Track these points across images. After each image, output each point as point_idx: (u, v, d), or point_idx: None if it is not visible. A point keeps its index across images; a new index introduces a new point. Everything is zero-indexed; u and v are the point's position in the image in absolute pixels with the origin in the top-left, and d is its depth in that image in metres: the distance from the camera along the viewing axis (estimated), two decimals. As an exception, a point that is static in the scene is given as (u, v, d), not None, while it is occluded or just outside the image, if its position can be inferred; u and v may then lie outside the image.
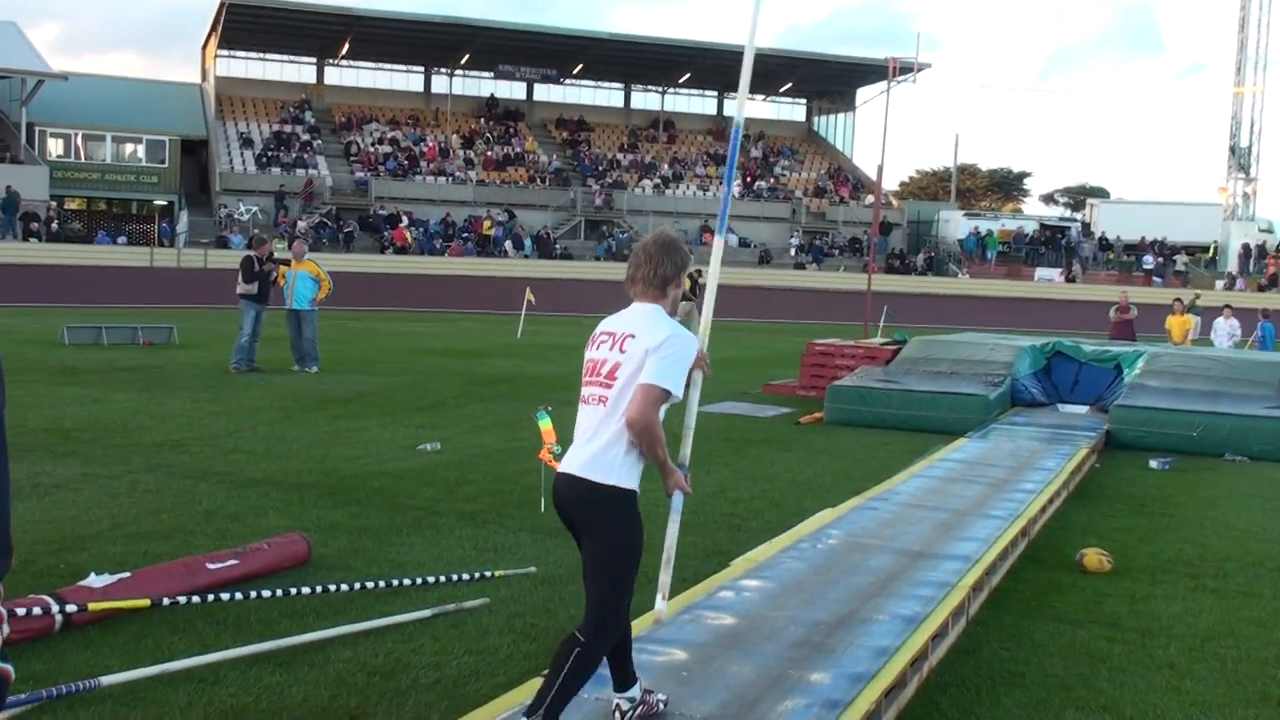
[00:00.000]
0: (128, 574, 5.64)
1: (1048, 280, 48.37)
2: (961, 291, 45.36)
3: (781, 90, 56.36)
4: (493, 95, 53.00)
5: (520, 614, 5.77)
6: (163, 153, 44.67)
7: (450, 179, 47.27)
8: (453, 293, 38.76)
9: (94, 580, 5.47)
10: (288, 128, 47.41)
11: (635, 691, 4.08)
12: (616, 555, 3.85)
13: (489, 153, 49.41)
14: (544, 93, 54.09)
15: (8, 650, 2.61)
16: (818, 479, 9.98)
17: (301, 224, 40.92)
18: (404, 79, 52.51)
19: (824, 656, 4.81)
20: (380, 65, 51.61)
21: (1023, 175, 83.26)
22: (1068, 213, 69.74)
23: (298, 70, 50.84)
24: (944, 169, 73.51)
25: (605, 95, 55.74)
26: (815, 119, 58.86)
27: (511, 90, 53.42)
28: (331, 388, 15.02)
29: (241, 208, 42.28)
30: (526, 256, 43.89)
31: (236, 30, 45.61)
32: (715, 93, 55.83)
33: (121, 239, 40.40)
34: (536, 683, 4.26)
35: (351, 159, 46.64)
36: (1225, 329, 23.19)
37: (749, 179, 52.18)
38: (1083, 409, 14.58)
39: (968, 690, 4.99)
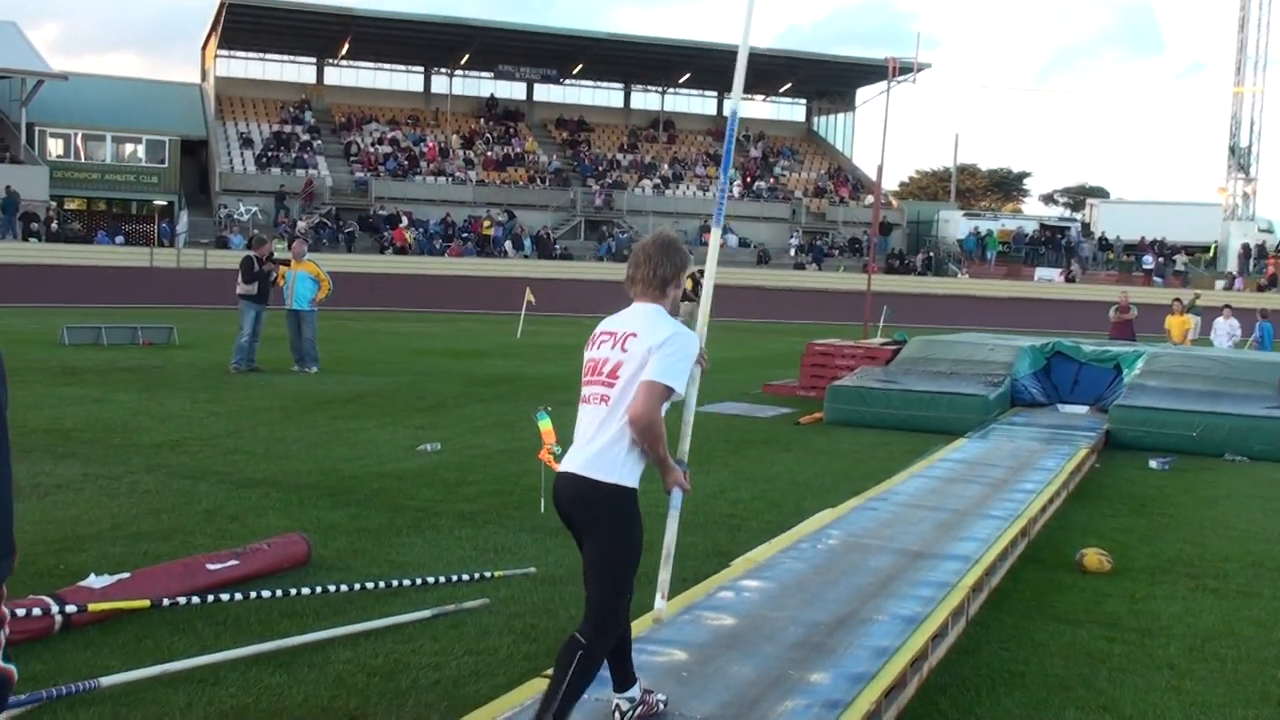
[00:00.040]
0: (127, 574, 5.64)
1: (1047, 280, 48.38)
2: (961, 292, 45.36)
3: (781, 90, 56.37)
4: (492, 95, 53.01)
5: (520, 614, 5.77)
6: (162, 153, 44.68)
7: (450, 179, 47.28)
8: (452, 293, 38.76)
9: (94, 581, 5.47)
10: (287, 128, 47.42)
11: (635, 692, 4.08)
12: (617, 554, 3.85)
13: (489, 153, 49.41)
14: (544, 93, 54.10)
15: (8, 651, 2.61)
16: (817, 479, 9.99)
17: (301, 224, 40.92)
18: (404, 79, 52.55)
19: (824, 657, 4.81)
20: (380, 65, 51.63)
21: (1022, 175, 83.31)
22: (1067, 213, 69.74)
23: (297, 70, 50.89)
24: (944, 169, 73.54)
25: (605, 95, 55.77)
26: (815, 119, 58.87)
27: (511, 90, 53.45)
28: (331, 388, 15.02)
29: (241, 208, 42.28)
30: (526, 257, 43.89)
31: (236, 30, 45.61)
32: (715, 93, 55.80)
33: (119, 239, 40.38)
34: (536, 683, 4.27)
35: (351, 159, 46.64)
36: (1225, 329, 23.19)
37: (749, 179, 52.19)
38: (1082, 409, 14.59)
39: (968, 690, 4.99)
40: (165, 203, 43.67)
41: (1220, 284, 47.75)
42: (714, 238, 4.78)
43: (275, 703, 4.56)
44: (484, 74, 52.14)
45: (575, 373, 4.13)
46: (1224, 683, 5.23)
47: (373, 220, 43.85)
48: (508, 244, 44.39)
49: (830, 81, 55.33)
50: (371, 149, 47.39)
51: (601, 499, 3.82)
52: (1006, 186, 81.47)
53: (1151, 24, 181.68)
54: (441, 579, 6.19)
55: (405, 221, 43.82)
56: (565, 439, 4.34)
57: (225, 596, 5.66)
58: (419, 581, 6.13)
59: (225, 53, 48.31)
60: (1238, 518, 9.04)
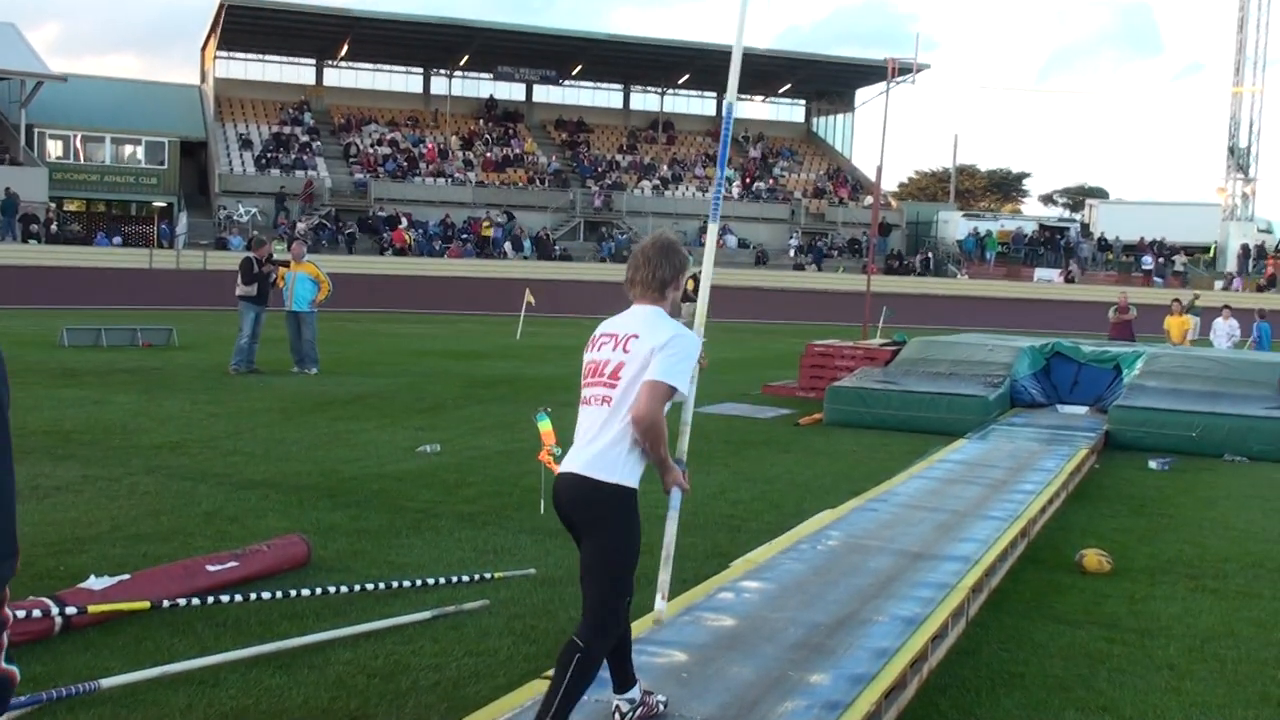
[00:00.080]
0: (127, 576, 5.63)
1: (1047, 281, 48.39)
2: (960, 292, 45.38)
3: (780, 91, 56.40)
4: (492, 96, 53.03)
5: (520, 616, 5.78)
6: (162, 154, 44.70)
7: (449, 180, 47.28)
8: (452, 294, 38.77)
9: (94, 582, 5.46)
10: (287, 129, 47.43)
11: (635, 693, 4.09)
12: (617, 554, 3.85)
13: (488, 154, 49.42)
14: (543, 94, 54.11)
15: (10, 653, 2.61)
16: (817, 480, 9.99)
17: (301, 226, 40.93)
18: (403, 80, 52.57)
19: (824, 658, 4.81)
20: (379, 66, 51.65)
21: (1022, 176, 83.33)
22: (1067, 213, 69.75)
23: (297, 71, 50.92)
24: (943, 170, 73.55)
25: (604, 96, 55.80)
26: (814, 120, 58.89)
27: (510, 91, 53.46)
28: (331, 389, 15.02)
29: (241, 209, 42.29)
30: (526, 258, 43.89)
31: (236, 31, 45.63)
32: (714, 94, 55.82)
33: (116, 240, 40.35)
34: (537, 684, 4.27)
35: (351, 160, 46.65)
36: (1224, 329, 23.21)
37: (748, 180, 52.20)
38: (1082, 410, 14.59)
39: (967, 691, 4.99)
40: (164, 204, 43.68)
41: (1219, 284, 47.76)
42: (711, 233, 4.80)
43: (275, 704, 4.56)
44: (483, 75, 52.18)
45: (575, 374, 4.13)
46: (1224, 683, 5.23)
47: (372, 221, 43.85)
48: (507, 245, 44.40)
49: (829, 82, 55.36)
50: (371, 150, 47.40)
51: (602, 499, 3.83)
52: (1006, 187, 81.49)
53: (1150, 24, 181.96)
54: (441, 580, 6.19)
55: (405, 223, 43.84)
56: (565, 440, 4.34)
57: (225, 598, 5.66)
58: (419, 583, 6.13)
59: (225, 54, 48.33)
60: (1237, 518, 9.04)
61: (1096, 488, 10.23)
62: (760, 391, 16.76)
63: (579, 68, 51.98)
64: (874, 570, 6.29)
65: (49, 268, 34.85)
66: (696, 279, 6.23)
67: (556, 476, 4.01)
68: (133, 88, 49.37)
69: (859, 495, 8.56)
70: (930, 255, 50.84)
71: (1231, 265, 51.68)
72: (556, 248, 45.37)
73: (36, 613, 5.03)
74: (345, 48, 48.42)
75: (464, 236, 44.45)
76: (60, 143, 43.60)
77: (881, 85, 42.18)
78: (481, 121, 51.95)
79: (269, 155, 45.27)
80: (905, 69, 38.74)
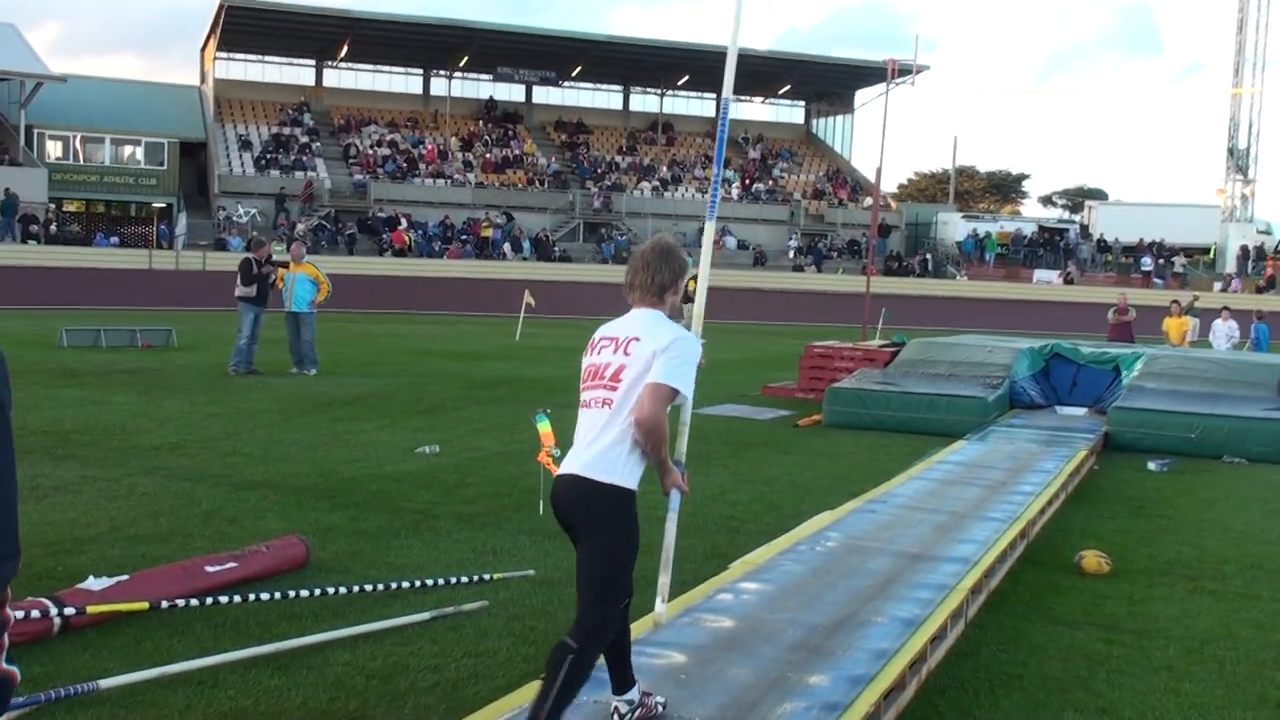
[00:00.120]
0: (126, 577, 5.63)
1: (1046, 282, 48.40)
2: (960, 294, 45.40)
3: (780, 92, 56.42)
4: (491, 97, 53.04)
5: (519, 617, 5.78)
6: (161, 155, 44.69)
7: (449, 181, 47.29)
8: (451, 295, 38.78)
9: (92, 583, 5.46)
10: (286, 130, 47.43)
11: (634, 694, 4.09)
12: (613, 556, 3.85)
13: (488, 155, 49.42)
14: (543, 95, 54.12)
15: (10, 653, 2.61)
16: (816, 481, 9.99)
17: (300, 226, 40.93)
18: (403, 81, 52.57)
19: (823, 659, 4.81)
20: (379, 67, 51.65)
21: (1021, 177, 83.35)
22: (1066, 214, 69.78)
23: (296, 72, 50.94)
24: (942, 171, 73.56)
25: (604, 97, 55.82)
26: (814, 121, 58.91)
27: (510, 92, 53.49)
28: (330, 390, 15.02)
29: (240, 210, 42.29)
30: (525, 259, 43.90)
31: (235, 32, 45.64)
32: (714, 95, 55.81)
33: (114, 240, 40.32)
34: (536, 685, 4.26)
35: (350, 161, 46.65)
36: (1224, 331, 23.22)
37: (747, 181, 52.22)
38: (1081, 411, 14.59)
39: (966, 692, 4.99)
40: (164, 205, 43.69)
41: (1218, 286, 47.79)
42: (708, 231, 4.80)
43: (274, 705, 4.56)
44: (483, 76, 52.19)
45: (574, 375, 4.14)
46: (1222, 685, 5.23)
47: (371, 222, 43.86)
48: (506, 246, 44.41)
49: (829, 83, 55.38)
50: (370, 151, 47.40)
51: (601, 500, 3.82)
52: (1005, 188, 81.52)
53: (1150, 25, 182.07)
54: (440, 581, 6.19)
55: (404, 224, 43.85)
56: (564, 441, 4.35)
57: (224, 599, 5.66)
58: (418, 584, 6.13)
59: (224, 55, 48.34)
60: (1236, 519, 9.04)
61: (1095, 489, 10.23)
62: (759, 393, 16.77)
63: (578, 69, 52.00)
64: (873, 572, 6.29)
65: (48, 268, 34.87)
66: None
67: (555, 478, 4.01)
68: (132, 88, 49.37)
69: (858, 497, 8.56)
70: (929, 256, 50.85)
71: (1231, 266, 51.71)
72: (556, 249, 45.38)
73: (35, 613, 5.03)
74: (345, 49, 48.42)
75: (463, 237, 44.46)
76: (60, 143, 43.60)
77: (881, 86, 42.21)
78: (481, 122, 51.96)
79: (268, 156, 45.28)
80: (905, 70, 38.77)
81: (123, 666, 4.80)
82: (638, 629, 4.63)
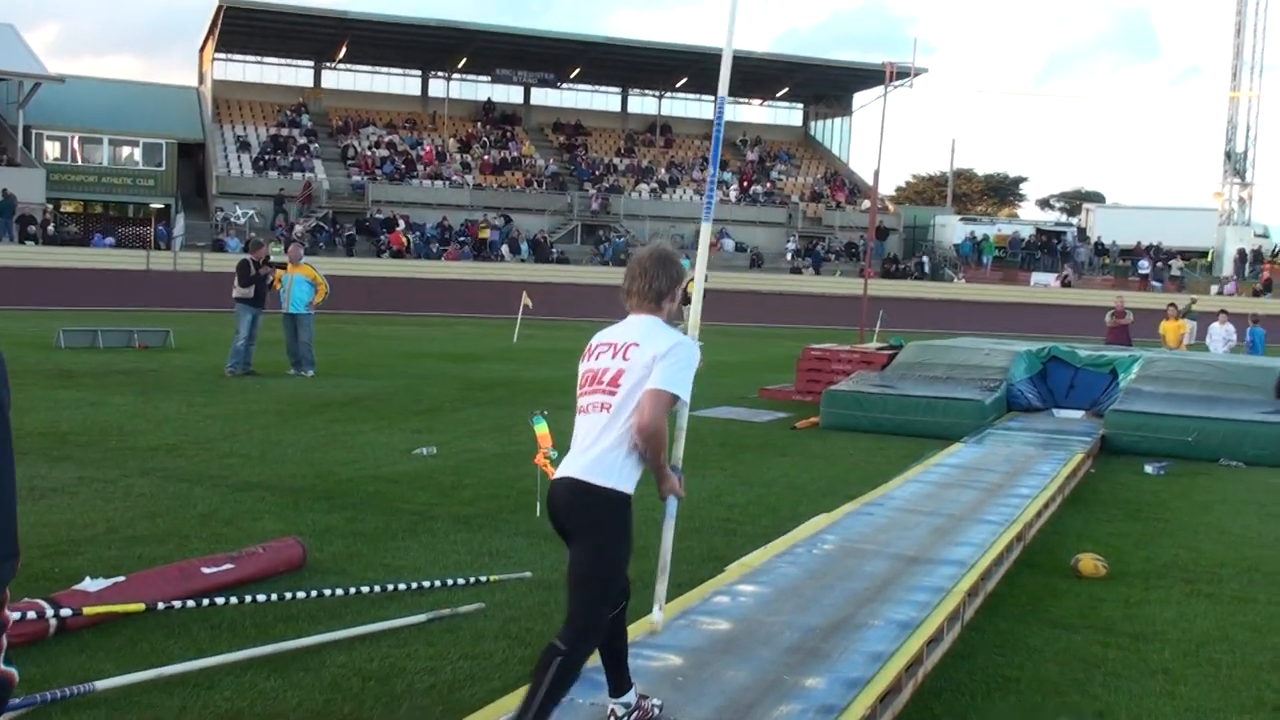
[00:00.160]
0: (122, 578, 5.63)
1: (1043, 285, 48.44)
2: (957, 296, 45.42)
3: (778, 95, 56.48)
4: (489, 99, 53.05)
5: (515, 619, 5.77)
6: (159, 156, 44.68)
7: (447, 183, 47.30)
8: (449, 297, 38.78)
9: (89, 584, 5.46)
10: (284, 131, 47.43)
11: (631, 697, 4.09)
12: (605, 560, 3.84)
13: (486, 157, 49.44)
14: (541, 97, 54.15)
15: (8, 654, 2.61)
16: (813, 484, 9.99)
17: (298, 228, 40.92)
18: (401, 82, 52.59)
19: (819, 662, 4.81)
20: (377, 69, 51.68)
21: (1019, 180, 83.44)
22: (1064, 217, 69.82)
23: (295, 74, 50.96)
24: (940, 174, 73.63)
25: (602, 99, 55.86)
26: (812, 124, 58.96)
27: (508, 94, 53.51)
28: (327, 391, 15.01)
29: (238, 211, 42.27)
30: (523, 260, 43.92)
31: (234, 33, 45.64)
32: (712, 97, 55.37)
33: (109, 240, 40.28)
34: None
35: (348, 162, 46.65)
36: (1221, 334, 23.25)
37: (745, 183, 52.24)
38: (1078, 414, 14.59)
39: (962, 695, 4.99)
40: (162, 205, 43.67)
41: (1214, 289, 47.84)
42: (704, 232, 4.79)
43: (270, 707, 4.56)
44: (481, 78, 52.20)
45: (572, 376, 4.14)
46: (1218, 688, 5.23)
47: (369, 224, 43.86)
48: (504, 248, 44.42)
49: (827, 86, 55.43)
50: (368, 152, 47.41)
51: (597, 503, 3.82)
52: (1003, 191, 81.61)
53: (1147, 29, 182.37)
54: (437, 583, 6.19)
55: (402, 225, 43.84)
56: (562, 443, 4.35)
57: (220, 600, 5.66)
58: (414, 585, 6.13)
59: (223, 56, 48.35)
60: (1233, 523, 9.05)
61: (1092, 492, 10.24)
62: (757, 395, 16.77)
63: (577, 71, 52.01)
64: (870, 574, 6.30)
65: (46, 269, 34.85)
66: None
67: (552, 481, 4.01)
68: (130, 89, 49.36)
69: (855, 499, 8.56)
70: (927, 259, 50.89)
71: (1228, 270, 51.76)
72: (554, 250, 45.38)
73: (31, 614, 5.02)
74: (343, 50, 48.44)
75: (461, 239, 44.47)
76: (58, 144, 43.59)
77: (879, 89, 42.29)
78: (479, 124, 51.98)
79: (267, 157, 45.27)
80: (903, 73, 38.81)
81: (119, 668, 4.80)
82: (635, 631, 4.63)
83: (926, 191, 76.68)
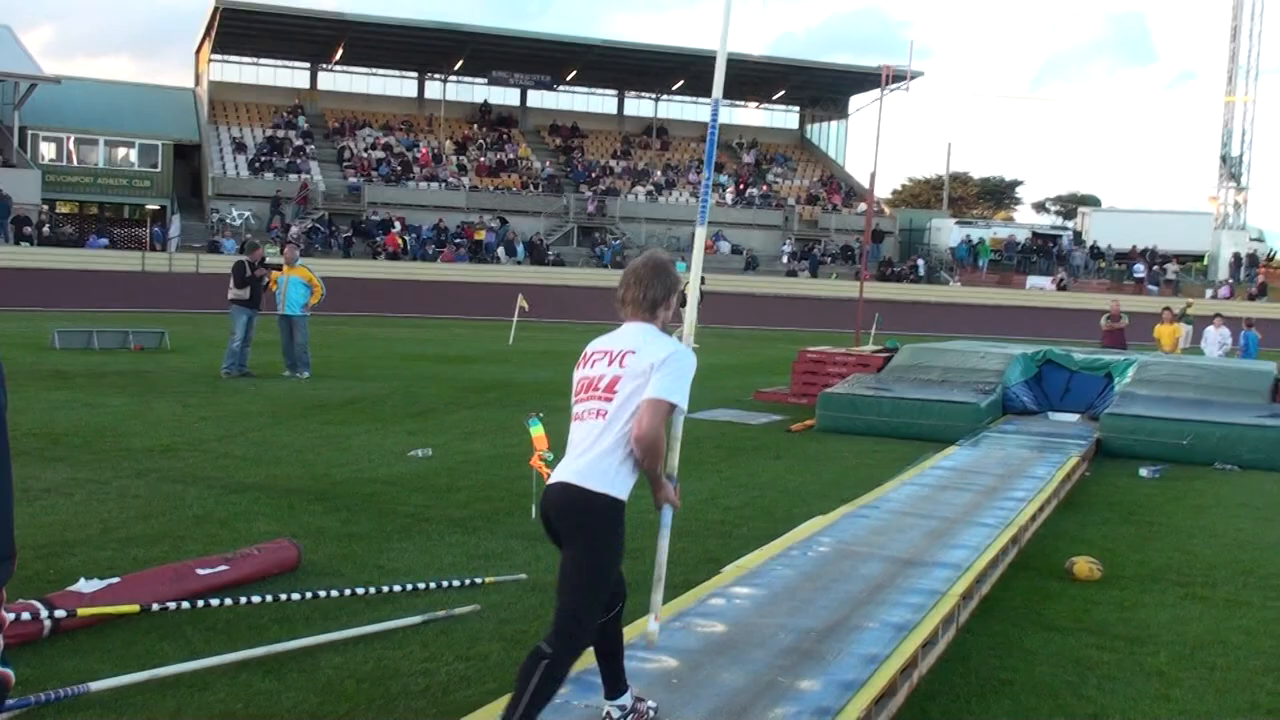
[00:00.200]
0: (117, 579, 5.62)
1: (1039, 288, 48.49)
2: (953, 299, 45.45)
3: (774, 98, 56.50)
4: (486, 101, 53.04)
5: (510, 620, 5.77)
6: (155, 157, 44.62)
7: (443, 185, 47.28)
8: (445, 299, 38.76)
9: (83, 585, 5.45)
10: (280, 133, 47.39)
11: (626, 699, 4.09)
12: (595, 565, 3.84)
13: (482, 159, 49.43)
14: (537, 99, 54.14)
15: (4, 655, 2.61)
16: (808, 486, 9.99)
17: (294, 229, 40.88)
18: (397, 84, 52.56)
19: (814, 664, 4.82)
20: (373, 70, 51.64)
21: (1015, 183, 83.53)
22: (1059, 221, 69.94)
23: (291, 75, 50.89)
24: (936, 177, 73.73)
25: (598, 102, 55.83)
26: (808, 127, 58.99)
27: (505, 96, 53.49)
28: (322, 393, 15.00)
29: (234, 212, 42.23)
30: (519, 263, 43.90)
31: (230, 35, 45.59)
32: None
33: (103, 241, 40.20)
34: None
35: (344, 164, 46.62)
36: (1216, 338, 23.30)
37: (741, 186, 52.26)
38: (1073, 417, 14.62)
39: (957, 698, 5.00)
40: (157, 207, 43.62)
41: (1209, 293, 47.92)
42: (699, 235, 4.80)
43: (264, 708, 4.56)
44: (477, 80, 52.17)
45: (567, 378, 4.14)
46: (1212, 691, 5.24)
47: (365, 226, 43.82)
48: (500, 250, 44.40)
49: (823, 89, 55.46)
50: (365, 154, 47.39)
51: (590, 508, 3.82)
52: (999, 194, 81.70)
53: (1143, 33, 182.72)
54: (432, 585, 6.19)
55: (398, 227, 43.81)
56: (557, 445, 4.35)
57: (215, 601, 5.65)
58: (409, 587, 6.13)
59: (219, 57, 48.30)
60: (1227, 526, 9.06)
61: (1087, 495, 10.25)
62: (752, 397, 16.77)
63: (573, 73, 52.02)
64: (865, 577, 6.30)
65: (41, 269, 34.81)
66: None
67: (546, 485, 4.01)
68: (126, 90, 49.31)
69: (850, 502, 8.57)
70: (923, 262, 50.92)
71: (1223, 274, 51.85)
72: (549, 253, 45.37)
73: (25, 615, 5.02)
74: (339, 51, 48.41)
75: (457, 241, 44.44)
76: (53, 145, 43.51)
77: (875, 92, 42.33)
78: (475, 126, 51.97)
79: (263, 159, 45.23)
80: (899, 76, 38.79)
81: (113, 669, 4.79)
82: (630, 633, 4.63)
83: (922, 194, 76.75)
